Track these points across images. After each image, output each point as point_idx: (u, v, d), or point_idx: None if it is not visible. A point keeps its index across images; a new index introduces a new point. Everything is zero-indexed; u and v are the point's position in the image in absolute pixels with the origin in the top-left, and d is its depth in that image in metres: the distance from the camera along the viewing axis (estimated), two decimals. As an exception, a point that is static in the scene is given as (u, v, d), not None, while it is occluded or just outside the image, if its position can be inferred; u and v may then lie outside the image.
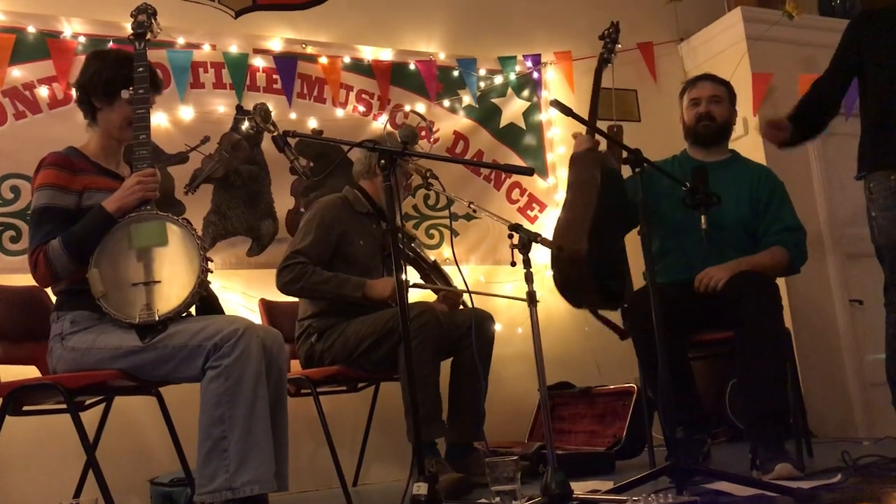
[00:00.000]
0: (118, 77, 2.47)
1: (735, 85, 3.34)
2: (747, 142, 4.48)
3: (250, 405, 2.18)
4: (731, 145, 3.28)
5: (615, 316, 3.24)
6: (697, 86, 3.23)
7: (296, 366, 3.20)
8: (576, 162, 3.10)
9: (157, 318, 2.25)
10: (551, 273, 2.90)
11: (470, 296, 3.17)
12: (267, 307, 3.46)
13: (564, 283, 2.86)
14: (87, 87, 2.50)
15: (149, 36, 2.57)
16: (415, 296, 3.22)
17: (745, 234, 3.08)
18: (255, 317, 3.42)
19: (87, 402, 2.70)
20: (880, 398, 4.00)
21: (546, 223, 4.36)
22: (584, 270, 2.82)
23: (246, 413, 2.18)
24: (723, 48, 4.74)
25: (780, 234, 3.04)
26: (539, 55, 4.51)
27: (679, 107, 3.30)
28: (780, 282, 2.89)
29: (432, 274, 3.40)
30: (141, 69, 2.47)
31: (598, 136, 3.01)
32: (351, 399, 3.55)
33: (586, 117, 3.07)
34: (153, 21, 2.59)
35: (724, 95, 3.20)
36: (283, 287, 3.12)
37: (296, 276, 3.07)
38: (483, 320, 3.16)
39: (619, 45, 3.32)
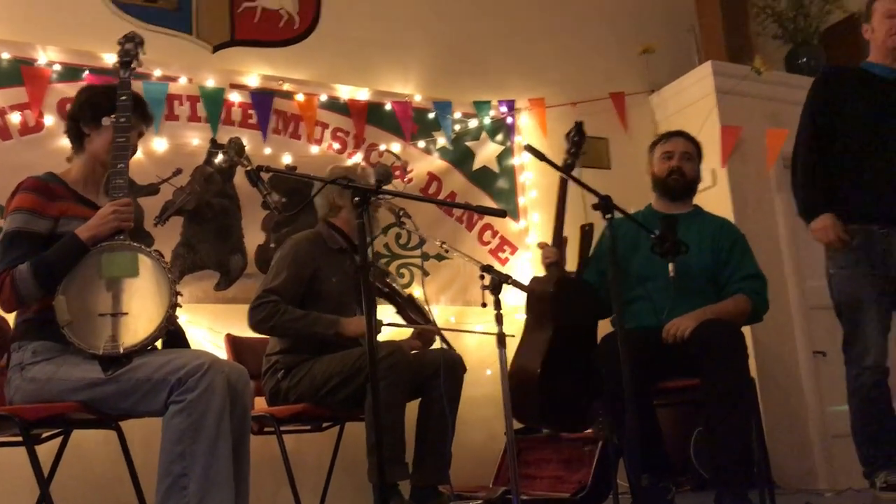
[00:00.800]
0: (107, 103, 2.48)
1: (704, 137, 3.44)
2: (715, 193, 4.56)
3: (212, 442, 2.14)
4: (699, 196, 3.37)
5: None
6: (672, 141, 3.32)
7: (260, 402, 3.15)
8: (533, 285, 3.28)
9: (121, 351, 2.21)
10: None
11: (441, 336, 3.15)
12: (233, 343, 3.41)
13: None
14: (78, 115, 2.51)
15: (134, 65, 2.57)
16: (387, 333, 3.20)
17: (710, 283, 3.13)
18: (221, 352, 3.37)
19: (44, 434, 2.63)
20: (842, 450, 4.03)
21: (517, 265, 4.38)
22: (533, 392, 2.90)
23: (207, 450, 2.13)
24: (693, 100, 4.84)
25: (741, 282, 3.10)
26: (513, 101, 4.57)
27: (648, 158, 3.38)
28: (746, 332, 2.93)
29: (408, 308, 3.37)
30: (124, 97, 2.47)
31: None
32: (314, 438, 3.50)
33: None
34: (139, 50, 2.60)
35: (695, 154, 3.32)
36: (256, 326, 3.09)
37: (267, 314, 3.04)
38: (453, 362, 3.14)
39: (584, 150, 3.41)
